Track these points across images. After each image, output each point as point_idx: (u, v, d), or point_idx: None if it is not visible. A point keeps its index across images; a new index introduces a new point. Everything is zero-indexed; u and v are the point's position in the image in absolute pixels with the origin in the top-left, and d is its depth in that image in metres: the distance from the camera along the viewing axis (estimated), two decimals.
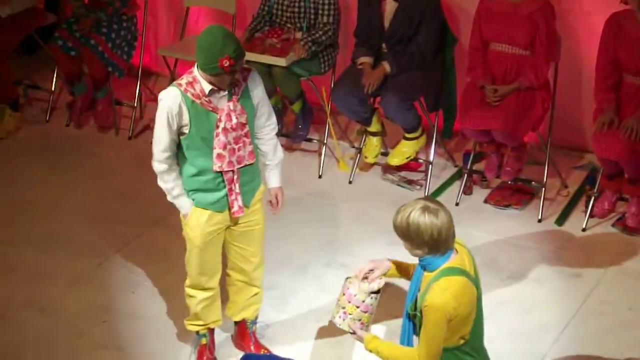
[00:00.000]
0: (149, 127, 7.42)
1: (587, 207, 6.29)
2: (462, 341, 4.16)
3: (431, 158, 6.66)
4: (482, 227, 6.20)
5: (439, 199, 6.54)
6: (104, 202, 6.57)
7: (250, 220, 4.94)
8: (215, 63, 4.52)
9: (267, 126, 4.90)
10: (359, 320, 4.28)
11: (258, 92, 4.78)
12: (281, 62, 6.57)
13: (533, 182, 6.48)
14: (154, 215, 6.36)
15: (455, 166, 6.84)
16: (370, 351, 4.24)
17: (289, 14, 6.75)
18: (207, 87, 4.63)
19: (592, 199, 6.28)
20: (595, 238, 6.14)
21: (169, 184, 4.81)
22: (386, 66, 6.39)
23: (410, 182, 6.71)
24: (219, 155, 4.70)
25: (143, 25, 7.49)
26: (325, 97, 6.84)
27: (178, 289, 5.23)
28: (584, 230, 6.20)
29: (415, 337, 4.22)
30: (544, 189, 6.37)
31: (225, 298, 5.22)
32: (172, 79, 7.30)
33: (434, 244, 4.06)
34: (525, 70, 6.17)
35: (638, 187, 6.14)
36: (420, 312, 4.09)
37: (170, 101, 4.63)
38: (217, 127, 4.66)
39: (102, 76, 7.32)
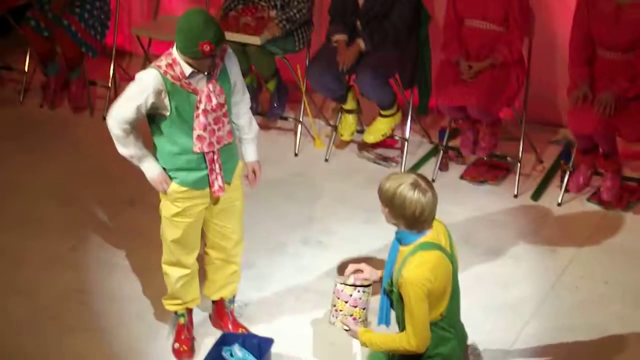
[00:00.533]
0: None
1: (562, 182, 6.32)
2: (439, 317, 4.18)
3: (407, 135, 6.66)
4: (458, 203, 6.22)
5: None
6: (79, 183, 6.55)
7: (229, 197, 4.94)
8: (196, 47, 4.50)
9: (242, 101, 4.90)
10: (351, 315, 4.30)
11: (235, 70, 4.78)
12: (256, 40, 6.55)
13: (508, 158, 6.50)
14: (130, 195, 6.35)
15: (431, 143, 6.85)
16: (365, 344, 4.25)
17: None
18: (188, 70, 4.61)
19: (567, 173, 6.30)
20: (570, 213, 6.17)
21: (130, 148, 4.77)
22: (360, 43, 6.38)
23: (386, 159, 6.72)
24: (199, 137, 4.69)
25: (116, 5, 7.44)
26: (300, 75, 6.83)
27: (155, 269, 5.23)
28: (559, 205, 6.23)
29: (392, 312, 4.24)
30: (519, 164, 6.40)
31: (203, 278, 5.22)
32: (147, 58, 7.27)
33: (413, 220, 4.07)
34: (500, 46, 6.18)
35: (612, 161, 6.17)
36: (397, 287, 4.10)
37: (149, 81, 4.61)
38: (197, 108, 4.65)
39: (75, 56, 7.27)
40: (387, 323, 4.29)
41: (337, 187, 6.47)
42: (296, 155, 6.83)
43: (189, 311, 5.19)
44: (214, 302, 5.28)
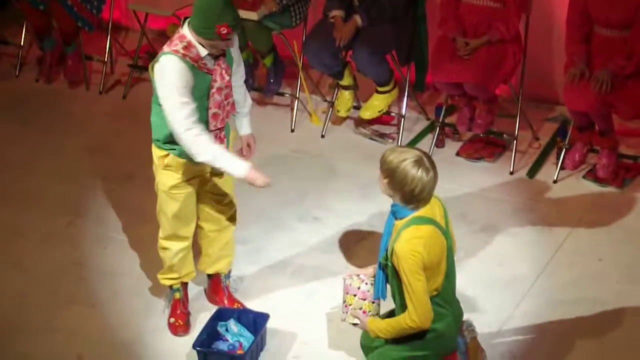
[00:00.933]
0: (120, 82, 7.38)
1: (558, 159, 6.32)
2: (434, 292, 4.19)
3: (403, 111, 6.66)
4: (455, 179, 6.22)
5: None
6: (75, 158, 6.54)
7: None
8: (213, 29, 4.51)
9: (237, 73, 4.90)
10: (360, 308, 4.34)
11: (235, 52, 4.81)
12: (252, 16, 6.53)
13: (505, 135, 6.50)
14: (126, 170, 6.34)
15: (428, 119, 6.84)
16: (375, 333, 4.27)
17: None
18: (203, 52, 4.61)
19: (563, 151, 6.31)
20: (566, 190, 6.17)
21: (209, 148, 4.61)
22: (357, 19, 6.37)
23: (382, 136, 6.72)
24: (215, 115, 4.72)
25: None
26: (297, 50, 6.82)
27: (151, 244, 5.23)
28: (555, 182, 6.24)
29: (388, 286, 4.25)
30: (515, 141, 6.40)
31: (197, 253, 5.22)
32: (143, 33, 7.25)
33: (411, 197, 4.09)
34: (497, 22, 6.17)
35: (608, 138, 6.17)
36: (392, 261, 4.11)
37: (177, 67, 4.56)
38: (212, 87, 4.67)
39: (71, 31, 7.25)
40: (383, 297, 4.32)
41: (333, 163, 6.47)
42: (292, 131, 6.83)
43: (184, 285, 5.20)
44: (209, 277, 5.29)
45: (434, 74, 6.31)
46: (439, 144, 6.58)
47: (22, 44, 7.56)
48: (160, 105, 4.67)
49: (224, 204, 5.05)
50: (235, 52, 4.84)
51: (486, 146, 6.56)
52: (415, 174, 4.06)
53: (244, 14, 6.54)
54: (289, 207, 6.02)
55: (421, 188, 4.07)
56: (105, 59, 7.36)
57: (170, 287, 5.18)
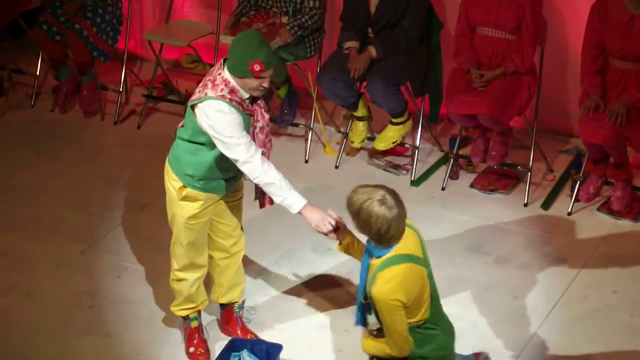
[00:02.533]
0: (135, 112, 7.41)
1: (572, 191, 6.31)
2: (421, 321, 4.19)
3: (417, 143, 6.66)
4: (468, 211, 6.22)
5: (425, 183, 6.56)
6: (89, 187, 6.56)
7: (233, 193, 4.97)
8: (246, 66, 4.53)
9: None
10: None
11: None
12: None
13: (519, 167, 6.49)
14: (140, 200, 6.35)
15: (442, 151, 6.85)
16: (370, 351, 4.33)
17: None
18: (245, 95, 4.64)
19: (578, 183, 6.29)
20: (580, 222, 6.16)
21: (274, 173, 4.65)
22: (372, 51, 6.38)
23: (396, 167, 6.72)
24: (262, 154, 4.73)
25: (128, 10, 7.46)
26: (311, 81, 6.83)
27: (164, 274, 5.22)
28: (569, 214, 6.22)
29: (369, 317, 4.26)
30: (529, 173, 6.39)
31: (208, 283, 5.21)
32: (158, 63, 7.29)
33: (379, 237, 4.08)
34: (511, 54, 6.18)
35: (623, 171, 6.16)
36: (371, 299, 4.12)
37: (229, 109, 4.57)
38: (255, 127, 4.72)
39: (87, 61, 7.29)
40: (365, 324, 4.33)
41: (347, 194, 6.45)
42: (307, 161, 6.83)
43: (199, 313, 5.20)
44: (222, 307, 5.28)
45: (448, 105, 6.32)
46: (453, 175, 6.57)
47: (37, 73, 7.61)
48: (205, 148, 4.69)
49: (232, 231, 5.05)
50: None
51: (500, 178, 6.56)
52: (378, 212, 4.02)
53: None
54: (303, 238, 6.01)
55: (387, 227, 4.04)
56: (120, 89, 7.40)
57: (187, 316, 5.17)
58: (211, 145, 4.68)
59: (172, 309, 5.17)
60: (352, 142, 6.76)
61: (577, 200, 6.27)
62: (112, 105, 7.39)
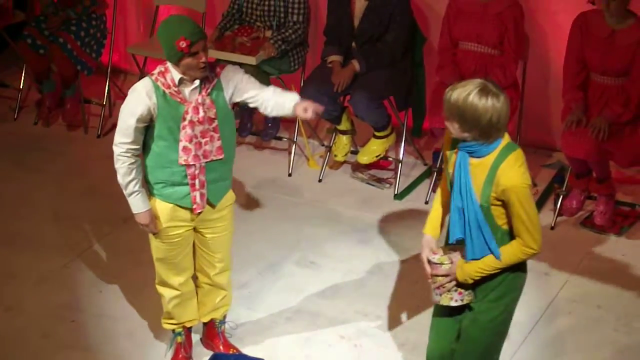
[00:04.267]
0: None
1: (555, 205, 6.32)
2: None
3: (401, 156, 6.67)
4: None
5: (409, 197, 6.57)
6: (71, 201, 6.54)
7: (218, 226, 4.90)
8: (174, 48, 4.48)
9: (261, 91, 4.79)
10: (454, 289, 4.25)
11: (233, 79, 4.71)
12: (251, 60, 6.56)
13: None
14: (122, 213, 6.30)
15: (425, 164, 6.85)
16: (472, 277, 4.12)
17: (259, 12, 6.74)
18: (177, 77, 4.59)
19: (561, 197, 6.31)
20: (563, 236, 6.16)
21: (126, 177, 4.71)
22: (355, 65, 6.39)
23: (379, 181, 6.72)
24: (185, 148, 4.66)
25: (112, 24, 7.46)
26: None
27: (146, 288, 5.21)
28: (552, 228, 6.23)
29: (485, 226, 4.07)
30: None
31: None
32: (142, 77, 7.27)
33: (489, 129, 3.89)
34: (494, 69, 6.20)
35: (605, 185, 6.17)
36: (493, 199, 3.97)
37: (141, 88, 4.59)
38: (184, 119, 4.62)
39: (70, 74, 7.28)
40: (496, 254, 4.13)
41: (331, 207, 6.47)
42: (290, 175, 6.83)
43: (187, 330, 5.17)
44: (205, 322, 5.26)
45: (431, 119, 6.33)
46: (436, 189, 6.55)
47: (21, 87, 7.59)
48: (146, 144, 4.69)
49: (216, 262, 4.99)
50: (243, 82, 4.73)
51: None
52: (486, 103, 3.85)
53: (242, 58, 6.59)
54: (286, 252, 6.01)
55: (498, 115, 3.86)
56: (104, 102, 7.39)
57: (173, 330, 5.15)
58: (147, 140, 4.68)
59: (161, 320, 5.16)
60: (335, 155, 6.77)
61: (560, 214, 6.28)
62: (96, 118, 7.38)
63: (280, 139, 7.02)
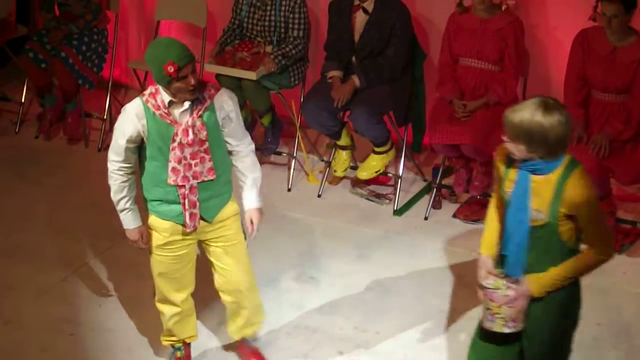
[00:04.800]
0: None
1: None
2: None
3: (400, 172, 6.67)
4: (451, 241, 6.22)
5: (408, 213, 6.56)
6: (72, 214, 6.54)
7: (222, 236, 4.86)
8: (162, 72, 4.46)
9: (241, 144, 4.80)
10: (510, 318, 4.23)
11: (226, 109, 4.68)
12: (251, 75, 6.57)
13: None
14: (122, 227, 6.31)
15: (425, 180, 6.86)
16: (547, 289, 4.14)
17: (259, 27, 6.76)
18: (167, 99, 4.58)
19: None
20: None
21: (117, 194, 4.79)
22: (355, 80, 6.40)
23: (379, 196, 6.72)
24: (174, 169, 4.64)
25: (114, 38, 7.48)
26: (294, 110, 6.85)
27: (146, 302, 5.21)
28: None
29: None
30: None
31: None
32: (142, 91, 7.28)
33: (557, 144, 3.88)
34: (494, 85, 6.21)
35: (607, 203, 6.16)
36: (561, 215, 3.99)
37: (131, 109, 4.61)
38: (174, 140, 4.60)
39: (72, 88, 7.30)
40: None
41: (330, 223, 6.46)
42: (289, 190, 6.83)
43: (187, 345, 5.16)
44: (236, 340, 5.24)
45: (431, 135, 6.33)
46: (436, 205, 6.58)
47: (22, 100, 7.62)
48: (141, 163, 4.72)
49: (232, 275, 4.92)
50: (235, 121, 4.73)
51: (483, 208, 6.53)
52: (552, 120, 3.85)
53: (242, 73, 6.60)
54: (285, 267, 6.01)
55: (565, 130, 3.87)
56: (105, 117, 7.40)
57: (172, 345, 5.14)
58: (141, 160, 4.70)
59: (160, 337, 5.15)
60: (335, 171, 6.77)
61: None
62: (96, 132, 7.40)
63: (279, 154, 7.03)
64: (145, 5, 7.85)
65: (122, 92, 7.96)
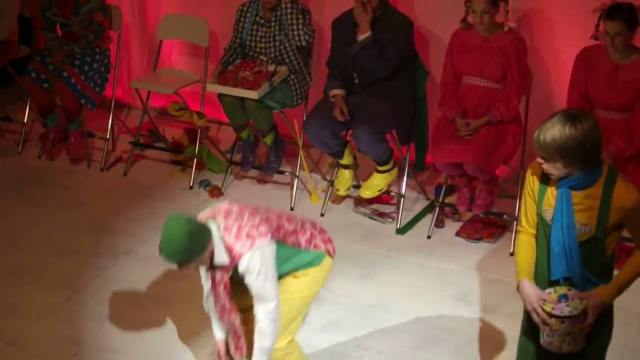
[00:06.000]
0: (121, 159, 7.41)
1: None
2: None
3: (403, 191, 6.67)
4: (454, 260, 6.21)
5: (411, 231, 6.56)
6: (75, 234, 6.54)
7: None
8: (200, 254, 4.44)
9: (257, 305, 4.62)
10: (568, 333, 4.20)
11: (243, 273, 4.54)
12: (253, 95, 6.58)
13: (505, 216, 6.50)
14: (125, 247, 6.33)
15: (427, 199, 6.85)
16: (610, 300, 4.12)
17: (263, 44, 6.77)
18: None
19: None
20: None
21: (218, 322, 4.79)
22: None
23: (381, 215, 6.72)
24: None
25: (116, 58, 7.49)
26: (297, 129, 6.85)
27: (148, 322, 5.19)
28: None
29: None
30: (515, 222, 6.38)
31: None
32: (145, 111, 7.30)
33: (593, 153, 3.86)
34: (497, 103, 6.21)
35: None
36: (604, 231, 3.99)
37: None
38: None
39: (74, 108, 7.31)
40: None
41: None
42: (292, 209, 6.83)
43: None
44: None
45: (433, 154, 6.33)
46: (439, 224, 6.57)
47: (25, 121, 7.62)
48: None
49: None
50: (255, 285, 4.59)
51: (486, 227, 6.56)
52: (583, 130, 3.83)
53: (244, 93, 6.61)
54: None
55: (598, 133, 3.85)
56: (107, 136, 7.41)
57: None
58: None
59: None
60: (337, 189, 6.77)
61: None
62: (99, 152, 7.40)
63: (282, 173, 7.03)
64: (148, 24, 7.86)
65: (125, 112, 7.96)
